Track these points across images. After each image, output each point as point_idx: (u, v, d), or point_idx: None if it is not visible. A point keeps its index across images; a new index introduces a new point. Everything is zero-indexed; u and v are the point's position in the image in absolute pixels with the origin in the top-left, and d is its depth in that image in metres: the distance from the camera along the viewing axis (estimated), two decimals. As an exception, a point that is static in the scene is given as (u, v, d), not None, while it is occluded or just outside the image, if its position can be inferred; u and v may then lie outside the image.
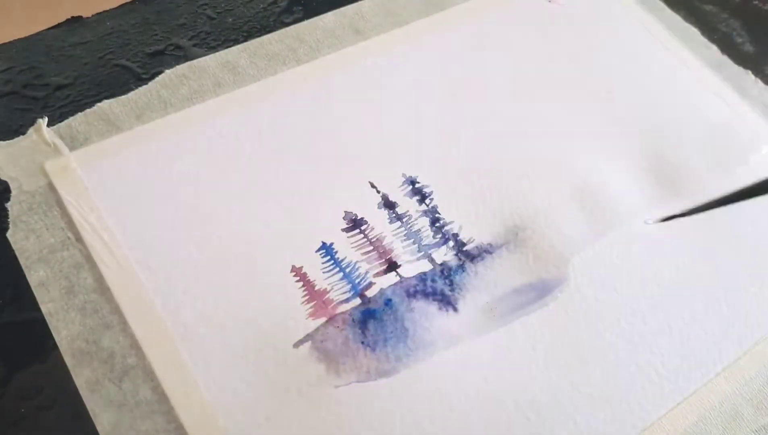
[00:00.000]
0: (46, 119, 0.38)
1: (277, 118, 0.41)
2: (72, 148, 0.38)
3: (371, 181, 0.40)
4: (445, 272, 0.37)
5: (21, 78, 0.41)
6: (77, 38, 0.43)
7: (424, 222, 0.39)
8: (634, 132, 0.45)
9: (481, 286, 0.37)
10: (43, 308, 0.33)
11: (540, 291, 0.37)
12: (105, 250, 0.35)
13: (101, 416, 0.31)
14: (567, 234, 0.39)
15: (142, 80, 0.41)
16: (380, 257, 0.37)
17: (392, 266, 0.37)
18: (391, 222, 0.38)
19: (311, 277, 0.36)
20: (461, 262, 0.38)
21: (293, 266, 0.36)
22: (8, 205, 0.36)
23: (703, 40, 0.51)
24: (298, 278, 0.36)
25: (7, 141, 0.38)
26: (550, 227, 0.39)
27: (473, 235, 0.39)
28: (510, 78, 0.46)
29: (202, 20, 0.45)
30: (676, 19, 0.52)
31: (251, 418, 0.32)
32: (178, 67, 0.42)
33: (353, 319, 0.35)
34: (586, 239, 0.39)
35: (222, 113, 0.40)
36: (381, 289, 0.36)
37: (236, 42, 0.44)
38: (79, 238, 0.35)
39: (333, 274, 0.36)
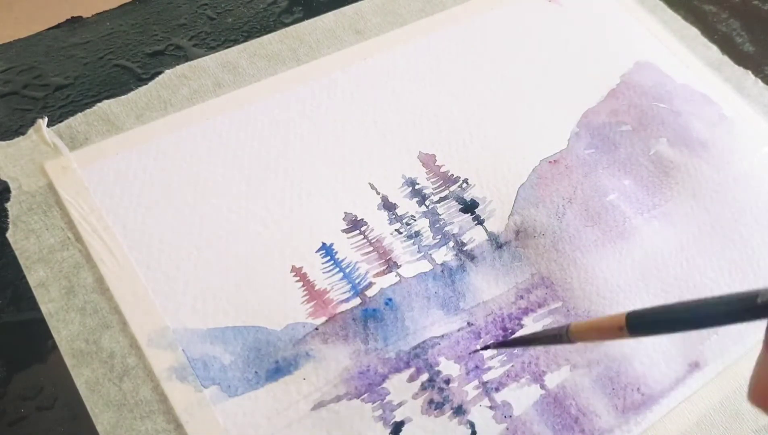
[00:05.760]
0: (46, 119, 0.38)
1: (277, 118, 0.41)
2: (72, 148, 0.38)
3: (371, 182, 0.40)
4: (446, 272, 0.37)
5: (21, 78, 0.41)
6: (77, 38, 0.43)
7: (424, 223, 0.39)
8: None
9: (482, 286, 0.37)
10: (43, 308, 0.33)
11: (542, 290, 0.37)
12: (105, 250, 0.35)
13: (101, 416, 0.31)
14: (569, 233, 0.39)
15: (142, 80, 0.41)
16: (380, 258, 0.37)
17: (392, 266, 0.37)
18: (390, 223, 0.38)
19: (311, 277, 0.36)
20: (461, 262, 0.38)
21: (293, 266, 0.36)
22: (8, 205, 0.36)
23: (703, 40, 0.51)
24: (298, 278, 0.36)
25: (7, 141, 0.38)
26: (551, 226, 0.39)
27: (473, 235, 0.39)
28: (510, 78, 0.46)
29: (202, 20, 0.45)
30: (676, 19, 0.52)
31: (251, 418, 0.32)
32: (178, 67, 0.42)
33: (353, 319, 0.35)
34: (588, 238, 0.39)
35: (222, 113, 0.40)
36: (381, 288, 0.36)
37: (236, 42, 0.44)
38: (79, 238, 0.35)
39: (333, 274, 0.36)
